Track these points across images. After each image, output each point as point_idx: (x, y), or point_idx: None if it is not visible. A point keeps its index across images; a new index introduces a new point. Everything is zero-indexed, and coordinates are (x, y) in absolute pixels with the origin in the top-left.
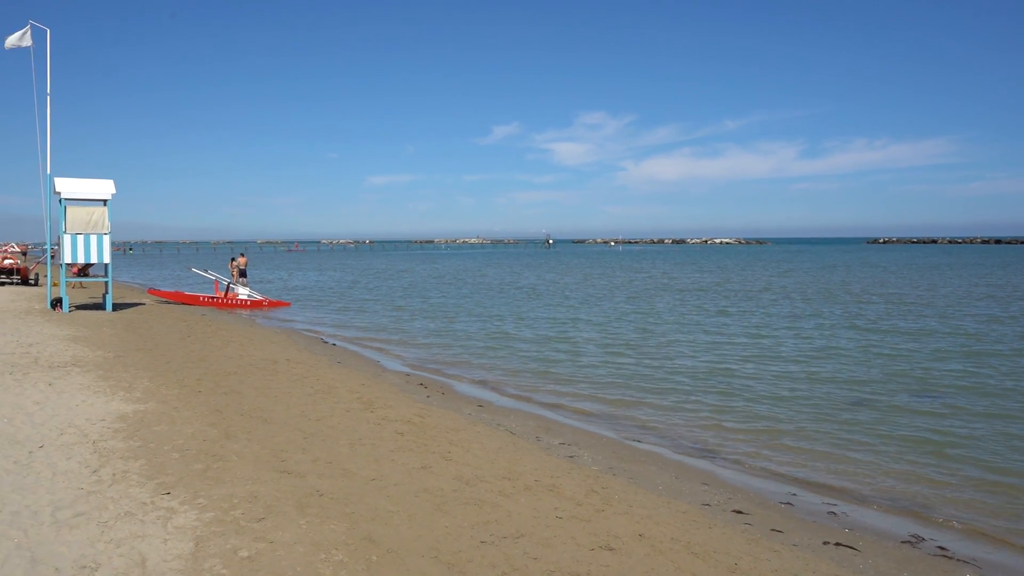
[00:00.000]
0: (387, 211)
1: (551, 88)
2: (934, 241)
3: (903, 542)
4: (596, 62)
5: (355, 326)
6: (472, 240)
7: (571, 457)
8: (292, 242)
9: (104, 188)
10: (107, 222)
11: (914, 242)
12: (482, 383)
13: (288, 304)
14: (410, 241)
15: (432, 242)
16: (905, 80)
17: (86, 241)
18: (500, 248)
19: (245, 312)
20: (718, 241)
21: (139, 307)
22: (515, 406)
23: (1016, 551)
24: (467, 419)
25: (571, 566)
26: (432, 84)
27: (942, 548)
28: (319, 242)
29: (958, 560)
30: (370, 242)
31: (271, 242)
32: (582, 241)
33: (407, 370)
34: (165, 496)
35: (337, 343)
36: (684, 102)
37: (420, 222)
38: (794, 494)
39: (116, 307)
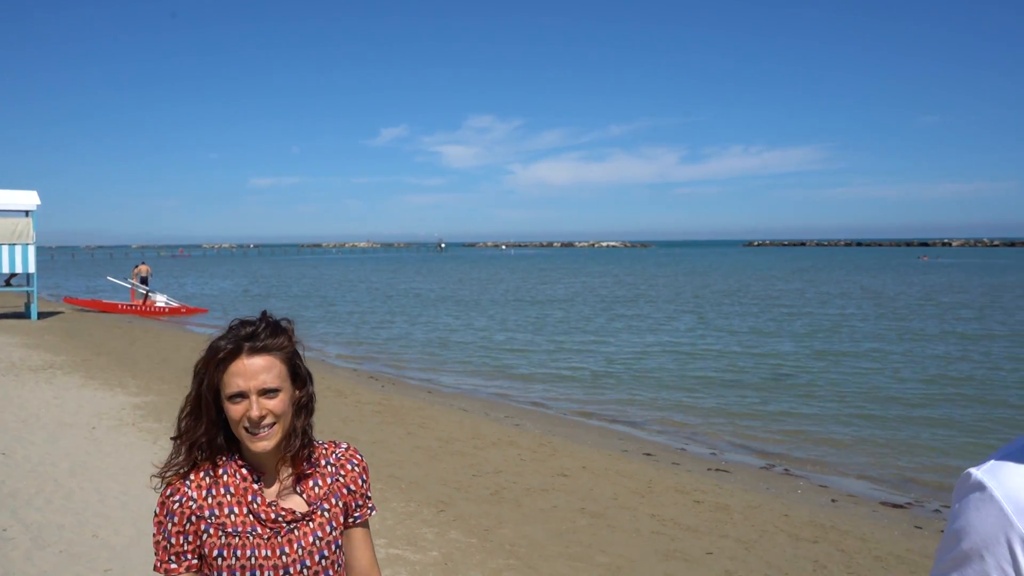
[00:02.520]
0: (272, 214)
1: (439, 90)
2: (803, 244)
3: (761, 468)
4: (484, 65)
5: None
6: (362, 244)
7: (517, 425)
8: (176, 247)
9: (28, 199)
10: (32, 232)
11: (785, 244)
12: (422, 376)
13: (206, 311)
14: (299, 245)
15: (320, 246)
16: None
17: (11, 251)
18: (392, 252)
19: (165, 318)
20: (605, 244)
21: (61, 315)
22: (460, 392)
23: (832, 472)
24: (425, 402)
25: (540, 485)
26: (318, 84)
27: (787, 470)
28: (201, 246)
29: (794, 476)
30: (255, 246)
31: (150, 247)
32: (473, 244)
33: (352, 366)
34: None
35: None
36: (571, 108)
37: (307, 225)
38: (686, 446)
39: (39, 316)
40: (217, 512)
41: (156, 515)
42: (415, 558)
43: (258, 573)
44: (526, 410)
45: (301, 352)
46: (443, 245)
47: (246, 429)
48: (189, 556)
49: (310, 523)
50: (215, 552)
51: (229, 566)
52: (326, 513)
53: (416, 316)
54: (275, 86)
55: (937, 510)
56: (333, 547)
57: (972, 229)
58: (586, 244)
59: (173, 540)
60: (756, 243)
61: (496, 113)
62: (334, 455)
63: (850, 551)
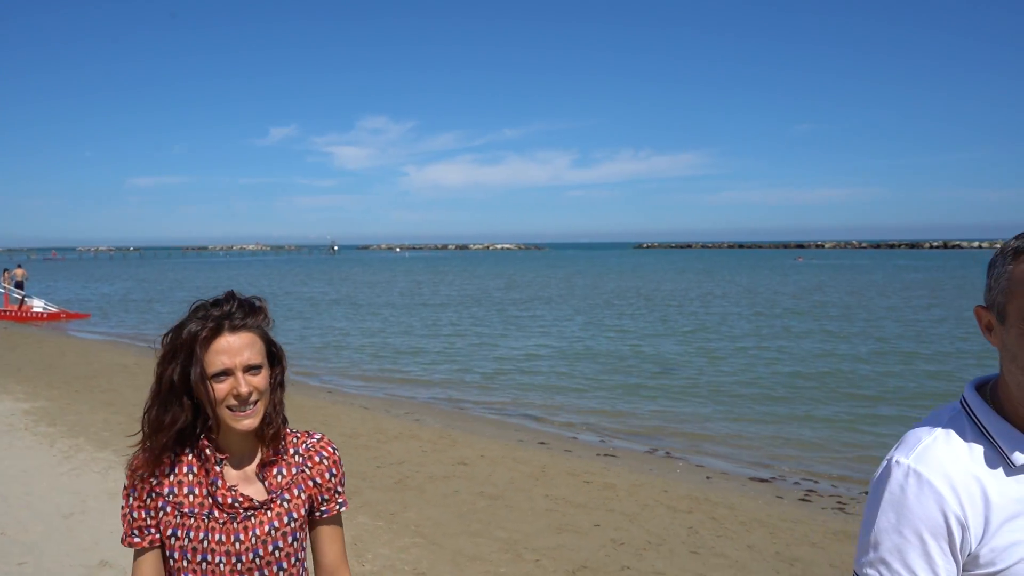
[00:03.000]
0: (154, 215)
1: (330, 90)
2: (689, 246)
3: (645, 452)
4: (377, 66)
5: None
6: (251, 247)
7: (418, 420)
8: (48, 249)
9: None
10: None
11: (673, 247)
12: (322, 377)
13: (87, 316)
14: (183, 248)
15: (207, 248)
16: (664, 98)
17: None
18: (283, 255)
19: (44, 324)
20: (499, 246)
21: None
22: (359, 392)
23: (708, 454)
24: (326, 401)
25: (441, 473)
26: (203, 80)
27: (667, 453)
28: (76, 249)
29: (674, 458)
30: (135, 249)
31: (19, 249)
32: (367, 247)
33: None
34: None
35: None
36: (465, 110)
37: (192, 227)
38: (577, 435)
39: None
40: (176, 491)
41: (124, 488)
42: None
43: (209, 557)
44: (426, 406)
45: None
46: (336, 248)
47: (230, 408)
48: (152, 531)
49: (268, 512)
50: (169, 531)
51: (182, 547)
52: (286, 503)
53: (311, 320)
54: (155, 80)
55: (797, 483)
56: (290, 539)
57: (843, 232)
58: (481, 246)
59: (135, 515)
60: (646, 245)
61: (390, 114)
62: (304, 445)
63: (720, 518)
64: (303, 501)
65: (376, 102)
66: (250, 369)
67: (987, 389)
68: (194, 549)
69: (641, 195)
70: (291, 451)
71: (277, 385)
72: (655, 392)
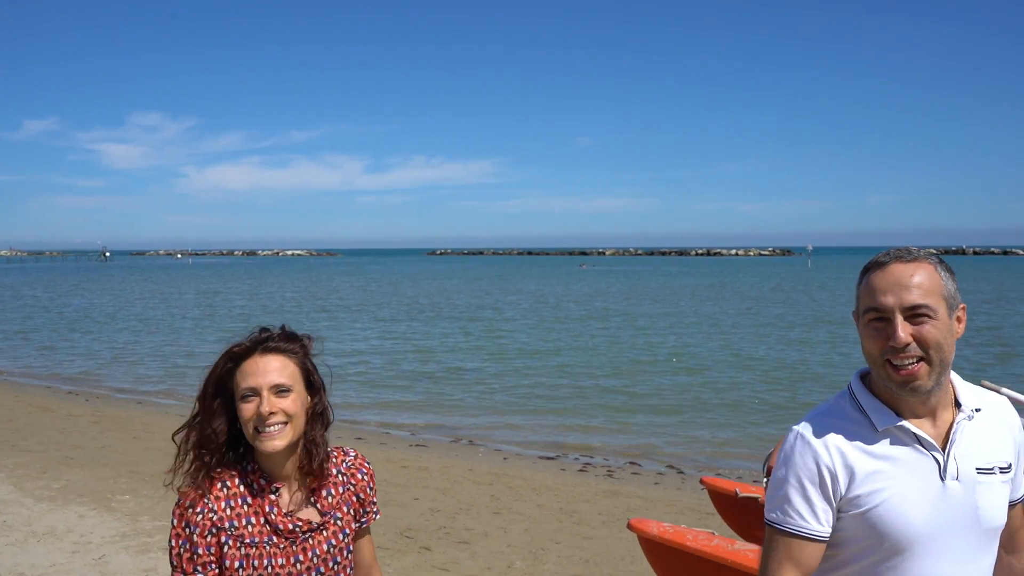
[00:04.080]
0: None
1: (96, 80)
2: (481, 252)
3: (451, 442)
4: (149, 57)
5: None
6: (3, 252)
7: None
8: None
9: None
10: None
11: (466, 253)
12: (124, 388)
13: None
14: None
15: None
16: (455, 105)
17: None
18: (44, 262)
19: None
20: (290, 253)
21: None
22: (174, 402)
23: (505, 441)
24: (139, 411)
25: None
26: None
27: (471, 441)
28: None
29: (476, 445)
30: None
31: None
32: (143, 253)
33: (43, 383)
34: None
35: None
36: (250, 110)
37: None
38: (389, 431)
39: None
40: (236, 524)
41: (174, 527)
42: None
43: None
44: None
45: (312, 365)
46: (107, 253)
47: (256, 428)
48: (213, 566)
49: (324, 531)
50: (236, 564)
51: (247, 575)
52: (339, 521)
53: (95, 333)
54: None
55: (576, 458)
56: (345, 553)
57: (621, 240)
58: (270, 252)
59: (200, 551)
60: (440, 252)
61: (166, 110)
62: (344, 464)
63: (516, 487)
64: (352, 517)
65: (149, 97)
66: (278, 390)
67: (869, 376)
68: None
69: (434, 202)
70: (334, 471)
71: (317, 415)
72: (455, 390)
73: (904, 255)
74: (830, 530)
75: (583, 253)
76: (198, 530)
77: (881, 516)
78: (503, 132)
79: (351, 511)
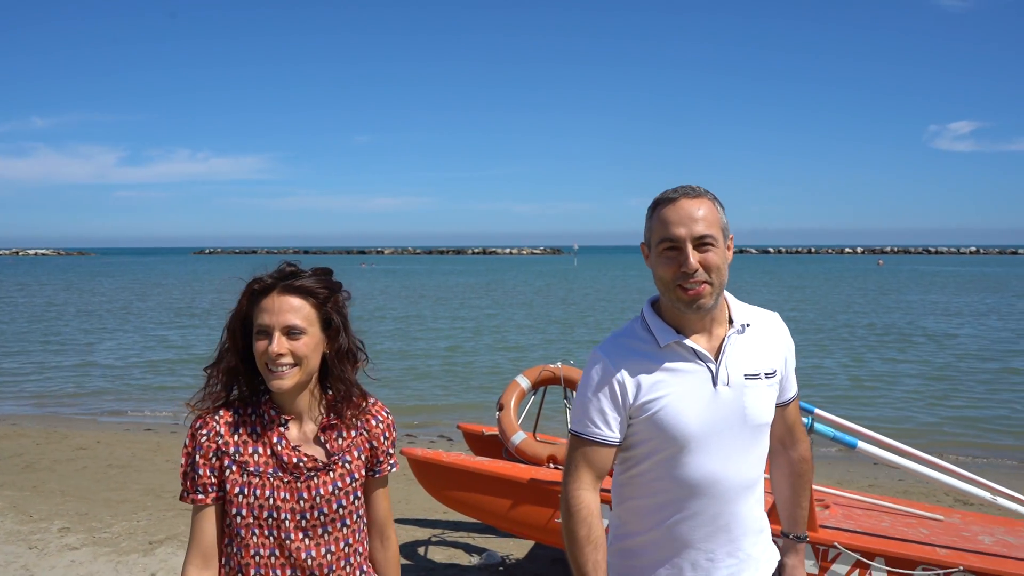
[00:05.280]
0: None
1: None
2: (255, 251)
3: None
4: None
5: None
6: None
7: (14, 425)
8: None
9: None
10: None
11: (237, 252)
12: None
13: None
14: None
15: None
16: (220, 96)
17: None
18: None
19: None
20: (33, 252)
21: None
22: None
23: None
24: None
25: (65, 457)
26: None
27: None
28: None
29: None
30: None
31: None
32: None
33: None
34: None
35: None
36: None
37: None
38: (178, 422)
39: None
40: (241, 450)
41: (185, 446)
42: None
43: (276, 513)
44: (20, 416)
45: (342, 313)
46: None
47: (267, 366)
48: (215, 488)
49: (330, 473)
50: (236, 489)
51: (249, 503)
52: (347, 465)
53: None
54: None
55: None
56: (351, 497)
57: (400, 239)
58: (8, 252)
59: (200, 472)
60: (208, 251)
61: None
62: (360, 408)
63: None
64: (362, 463)
65: None
66: (290, 332)
67: (659, 303)
68: (260, 506)
69: (200, 198)
70: (348, 414)
71: (344, 354)
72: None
73: (690, 192)
74: (620, 436)
75: (362, 252)
76: (201, 451)
77: (663, 419)
78: (276, 126)
79: (362, 457)
